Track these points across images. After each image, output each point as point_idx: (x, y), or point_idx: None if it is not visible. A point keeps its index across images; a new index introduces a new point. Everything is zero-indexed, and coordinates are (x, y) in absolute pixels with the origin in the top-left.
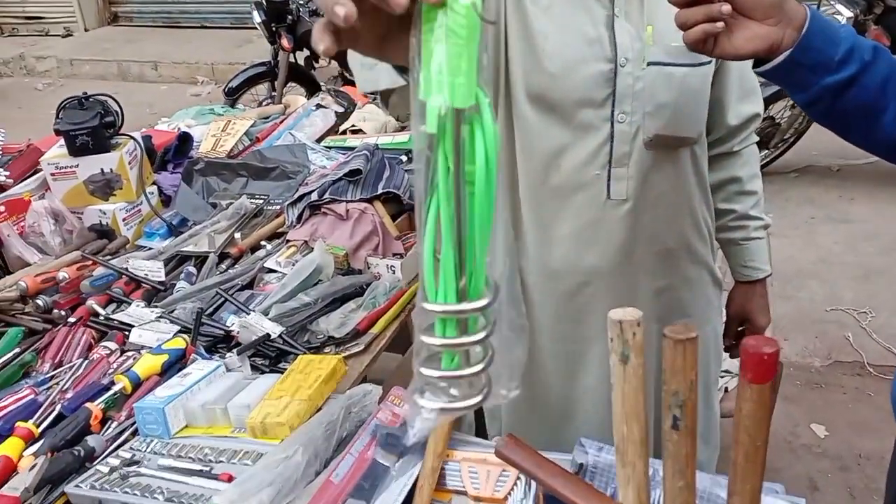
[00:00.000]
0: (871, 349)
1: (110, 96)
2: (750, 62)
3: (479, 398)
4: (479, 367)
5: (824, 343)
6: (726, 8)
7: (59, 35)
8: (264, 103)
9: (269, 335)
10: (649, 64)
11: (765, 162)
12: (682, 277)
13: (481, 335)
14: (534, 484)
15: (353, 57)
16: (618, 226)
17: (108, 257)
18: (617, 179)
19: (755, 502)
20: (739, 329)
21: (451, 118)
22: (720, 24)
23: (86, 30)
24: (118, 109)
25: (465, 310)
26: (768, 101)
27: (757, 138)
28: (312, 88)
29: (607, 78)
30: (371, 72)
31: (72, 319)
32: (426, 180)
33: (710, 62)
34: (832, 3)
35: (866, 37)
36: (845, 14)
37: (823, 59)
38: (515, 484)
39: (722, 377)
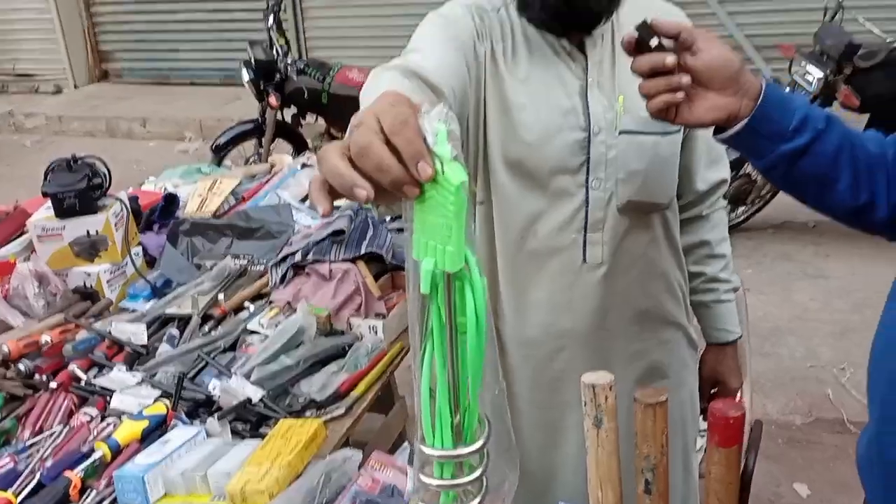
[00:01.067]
0: (851, 406)
1: (99, 158)
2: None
3: None
4: (475, 502)
5: (805, 400)
6: (686, 79)
7: (48, 92)
8: (251, 160)
9: (250, 400)
10: (621, 132)
11: (742, 218)
12: (657, 340)
13: (477, 473)
14: None
15: None
16: (593, 290)
17: (92, 320)
18: (592, 244)
19: None
20: (713, 391)
21: (442, 279)
22: (681, 95)
23: (76, 87)
24: (106, 171)
25: (461, 454)
26: (744, 160)
27: (725, 203)
28: (299, 145)
29: (581, 146)
30: None
31: (53, 385)
32: (421, 322)
33: (678, 130)
34: (803, 63)
35: (837, 96)
36: (815, 74)
37: (778, 128)
38: None
39: (702, 436)
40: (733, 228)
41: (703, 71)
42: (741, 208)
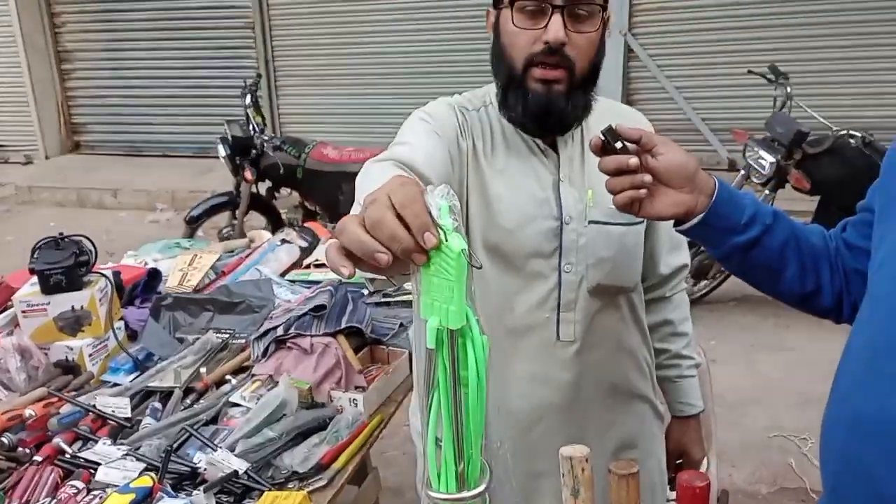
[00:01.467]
0: (813, 475)
1: (85, 236)
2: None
3: None
4: None
5: (769, 469)
6: (648, 178)
7: (19, 163)
8: (224, 231)
9: (236, 472)
10: (590, 222)
11: (705, 291)
12: (627, 412)
13: None
14: None
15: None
16: (567, 365)
17: (73, 393)
18: (565, 322)
19: None
20: (678, 462)
21: (446, 335)
22: (643, 191)
23: (47, 157)
24: (92, 248)
25: (464, 497)
26: None
27: (686, 285)
28: (273, 217)
29: (555, 233)
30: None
31: (38, 458)
32: (426, 376)
33: (642, 222)
34: (756, 149)
35: (788, 179)
36: (768, 159)
37: (730, 223)
38: None
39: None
40: (697, 301)
41: (663, 171)
42: (703, 282)
